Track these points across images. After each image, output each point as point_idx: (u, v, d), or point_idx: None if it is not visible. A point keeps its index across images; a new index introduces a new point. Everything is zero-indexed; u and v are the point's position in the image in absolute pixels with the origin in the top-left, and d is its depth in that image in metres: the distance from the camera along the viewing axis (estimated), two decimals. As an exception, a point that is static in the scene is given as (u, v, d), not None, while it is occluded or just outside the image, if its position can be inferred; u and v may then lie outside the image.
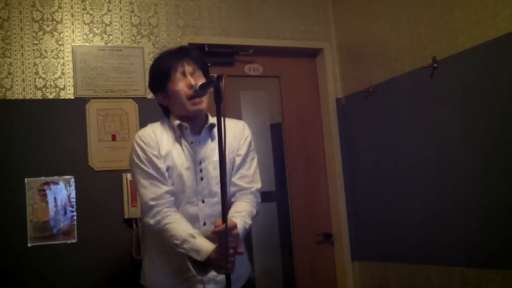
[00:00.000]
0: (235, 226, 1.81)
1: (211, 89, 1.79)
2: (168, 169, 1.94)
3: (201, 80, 1.96)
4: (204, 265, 1.83)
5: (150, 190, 1.91)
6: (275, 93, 3.36)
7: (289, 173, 3.30)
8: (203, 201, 1.96)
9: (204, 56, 3.06)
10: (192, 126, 1.99)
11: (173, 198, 1.93)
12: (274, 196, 3.26)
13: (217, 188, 1.93)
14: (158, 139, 1.96)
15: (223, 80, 1.68)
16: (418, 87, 2.76)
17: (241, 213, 1.92)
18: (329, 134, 3.34)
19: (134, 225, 2.72)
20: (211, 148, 1.99)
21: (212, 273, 1.85)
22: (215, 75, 1.72)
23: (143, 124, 2.81)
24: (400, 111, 2.89)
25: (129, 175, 2.70)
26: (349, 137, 3.32)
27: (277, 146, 3.32)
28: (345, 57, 3.37)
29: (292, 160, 3.31)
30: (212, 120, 2.01)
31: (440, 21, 2.63)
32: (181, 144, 1.98)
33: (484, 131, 2.40)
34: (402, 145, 2.88)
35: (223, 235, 1.71)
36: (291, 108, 3.36)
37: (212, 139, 2.01)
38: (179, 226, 1.87)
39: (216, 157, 1.91)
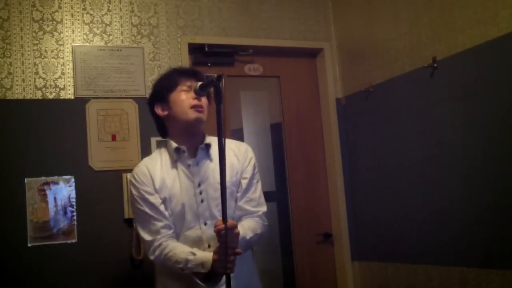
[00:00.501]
0: (235, 226, 1.81)
1: (213, 101, 1.79)
2: (164, 200, 1.94)
3: (205, 100, 1.98)
4: (212, 276, 1.83)
5: (146, 228, 1.93)
6: (275, 93, 3.36)
7: (289, 173, 3.30)
8: (205, 224, 1.94)
9: (204, 56, 3.10)
10: (189, 148, 1.98)
11: (171, 231, 1.93)
12: (274, 196, 3.25)
13: (218, 209, 1.92)
14: (151, 173, 1.96)
15: (223, 80, 1.68)
16: (418, 87, 2.76)
17: (243, 226, 1.92)
18: (329, 134, 3.34)
19: (134, 225, 2.71)
20: (210, 169, 1.97)
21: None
22: (215, 75, 1.71)
23: (143, 124, 2.82)
24: (400, 111, 2.89)
25: (129, 175, 2.69)
26: (349, 137, 3.32)
27: (277, 146, 3.32)
28: (345, 57, 3.37)
29: (292, 160, 3.31)
30: (208, 140, 2.01)
31: (440, 21, 2.63)
32: (177, 169, 1.97)
33: (484, 131, 2.40)
34: (402, 145, 2.88)
35: (223, 234, 1.71)
36: (291, 108, 3.36)
37: (211, 160, 1.99)
38: (178, 250, 1.87)
39: (215, 179, 1.93)
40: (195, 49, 3.09)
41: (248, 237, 1.91)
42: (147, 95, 2.85)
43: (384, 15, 3.01)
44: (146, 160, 2.04)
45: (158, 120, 2.06)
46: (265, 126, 3.35)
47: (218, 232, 1.76)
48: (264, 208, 2.07)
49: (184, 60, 2.99)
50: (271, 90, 3.37)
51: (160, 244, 1.90)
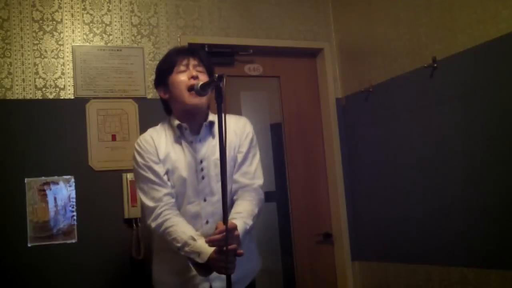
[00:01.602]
0: (235, 228, 1.81)
1: (213, 99, 1.79)
2: (167, 172, 1.96)
3: (204, 77, 1.98)
4: (206, 266, 1.83)
5: (150, 194, 1.94)
6: (275, 93, 3.36)
7: (289, 173, 3.30)
8: (204, 200, 1.97)
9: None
10: (191, 125, 2.00)
11: (173, 200, 1.95)
12: (274, 196, 3.26)
13: (218, 186, 1.94)
14: (156, 144, 1.98)
15: (224, 80, 1.69)
16: (418, 87, 2.76)
17: (241, 214, 1.92)
18: (329, 134, 3.34)
19: (134, 225, 2.72)
20: (211, 146, 1.99)
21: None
22: (216, 75, 1.72)
23: (143, 124, 2.82)
24: (400, 111, 2.89)
25: (129, 175, 2.70)
26: (349, 137, 3.32)
27: (277, 146, 3.32)
28: (345, 57, 3.37)
29: (292, 160, 3.31)
30: (212, 117, 2.02)
31: (440, 21, 2.63)
32: (181, 144, 1.99)
33: (484, 131, 2.40)
34: (402, 145, 2.88)
35: (223, 236, 1.71)
36: (291, 108, 3.36)
37: (213, 137, 2.01)
38: (180, 229, 1.88)
39: (216, 155, 1.94)
40: (195, 49, 3.09)
41: (248, 227, 1.91)
42: (147, 95, 2.88)
43: (384, 15, 3.01)
44: (151, 130, 2.06)
45: (163, 102, 2.09)
46: (265, 126, 3.35)
47: (219, 234, 1.76)
48: (260, 181, 2.06)
49: (184, 60, 2.99)
50: (271, 90, 3.37)
51: (162, 213, 1.91)
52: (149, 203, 1.94)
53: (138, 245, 2.71)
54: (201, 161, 1.97)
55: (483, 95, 2.40)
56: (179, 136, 2.00)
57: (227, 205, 1.72)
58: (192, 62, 1.99)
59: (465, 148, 2.50)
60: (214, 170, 1.96)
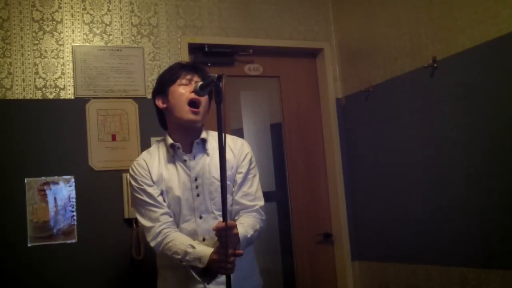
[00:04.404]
0: (235, 226, 1.81)
1: (211, 105, 1.80)
2: (162, 193, 1.98)
3: (203, 98, 1.99)
4: (209, 272, 1.84)
5: (147, 216, 1.97)
6: (275, 93, 3.36)
7: (289, 173, 3.30)
8: (200, 217, 1.98)
9: (204, 56, 3.10)
10: (184, 143, 2.01)
11: (171, 219, 1.97)
12: (274, 196, 3.26)
13: (213, 203, 1.98)
14: (149, 166, 2.00)
15: (223, 80, 1.69)
16: (418, 87, 2.76)
17: (243, 224, 1.93)
18: (329, 134, 3.34)
19: (134, 225, 2.72)
20: (206, 164, 2.00)
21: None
22: (215, 75, 1.72)
23: (143, 124, 2.82)
24: (400, 111, 2.89)
25: (129, 175, 2.70)
26: (349, 137, 3.32)
27: (277, 146, 3.32)
28: (345, 57, 3.37)
29: (292, 160, 3.31)
30: (205, 134, 2.04)
31: (440, 21, 2.63)
32: (175, 164, 2.01)
33: (484, 131, 2.40)
34: (402, 145, 2.88)
35: (223, 234, 1.72)
36: (291, 108, 3.36)
37: (208, 154, 2.02)
38: (178, 241, 1.90)
39: (211, 173, 1.98)
40: (195, 49, 3.09)
41: (249, 235, 1.92)
42: (147, 95, 2.88)
43: (384, 15, 3.01)
44: (145, 154, 2.08)
45: (159, 113, 2.10)
46: (265, 126, 3.35)
47: (217, 231, 1.76)
48: (261, 203, 2.08)
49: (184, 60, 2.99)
50: (271, 90, 3.37)
51: (160, 231, 1.93)
52: (147, 223, 1.96)
53: (138, 245, 2.71)
54: (196, 179, 1.98)
55: (483, 95, 2.40)
56: (172, 156, 2.01)
57: (226, 204, 1.71)
58: (196, 79, 2.00)
59: (465, 148, 2.50)
60: (209, 188, 1.98)
